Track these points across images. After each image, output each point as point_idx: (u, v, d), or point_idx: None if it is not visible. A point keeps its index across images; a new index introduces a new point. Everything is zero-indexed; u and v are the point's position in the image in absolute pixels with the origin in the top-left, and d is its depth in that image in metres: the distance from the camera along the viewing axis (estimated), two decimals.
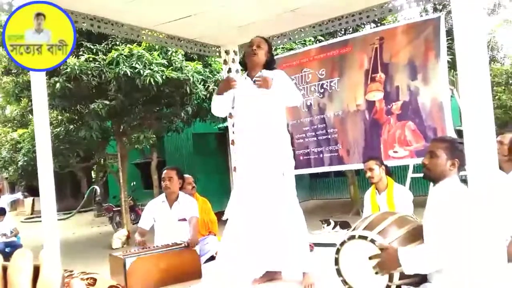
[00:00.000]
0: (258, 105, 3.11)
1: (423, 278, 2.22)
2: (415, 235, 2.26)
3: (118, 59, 7.81)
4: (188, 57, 9.10)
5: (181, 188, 4.06)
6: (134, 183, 13.74)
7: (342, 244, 2.38)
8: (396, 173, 9.07)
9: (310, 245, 3.76)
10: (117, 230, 10.26)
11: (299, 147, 5.26)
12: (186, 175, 4.33)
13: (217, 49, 4.90)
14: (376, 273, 2.17)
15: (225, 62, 4.84)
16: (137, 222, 4.81)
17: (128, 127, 9.62)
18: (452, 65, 5.03)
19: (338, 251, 2.39)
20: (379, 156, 4.30)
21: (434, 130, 4.34)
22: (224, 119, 7.65)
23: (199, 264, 3.58)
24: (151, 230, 4.06)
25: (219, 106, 3.29)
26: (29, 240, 8.80)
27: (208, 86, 9.10)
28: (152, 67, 7.84)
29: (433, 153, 2.27)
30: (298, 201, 3.15)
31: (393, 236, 2.26)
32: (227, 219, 3.26)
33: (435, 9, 12.35)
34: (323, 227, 8.48)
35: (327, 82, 5.09)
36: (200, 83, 8.72)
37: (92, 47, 8.53)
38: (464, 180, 2.17)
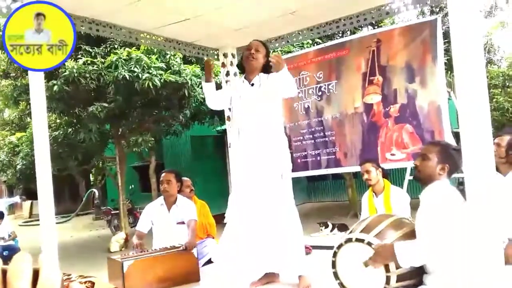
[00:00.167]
0: (256, 108, 3.12)
1: (419, 281, 2.24)
2: (411, 237, 2.28)
3: (117, 62, 7.84)
4: (186, 60, 9.12)
5: (179, 191, 4.05)
6: (133, 186, 13.73)
7: (339, 247, 2.39)
8: (394, 176, 9.11)
9: (308, 248, 3.76)
10: (115, 233, 10.24)
11: (296, 149, 5.26)
12: (184, 178, 4.32)
13: (215, 52, 4.92)
14: (366, 265, 2.19)
15: (223, 65, 4.85)
16: (135, 225, 4.80)
17: (126, 130, 9.62)
18: (449, 67, 5.04)
19: (335, 254, 2.40)
20: (375, 159, 4.31)
21: (431, 133, 4.35)
22: (223, 122, 7.64)
23: (197, 267, 3.57)
24: (149, 233, 4.05)
25: (209, 95, 3.30)
26: (27, 244, 8.76)
27: None
28: (150, 71, 7.86)
29: (425, 155, 2.32)
30: (294, 204, 3.16)
31: (390, 239, 2.27)
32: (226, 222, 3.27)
33: (432, 12, 12.36)
34: (321, 230, 8.46)
35: (325, 85, 5.10)
36: (198, 86, 8.72)
37: (90, 50, 8.55)
38: (461, 183, 2.19)
